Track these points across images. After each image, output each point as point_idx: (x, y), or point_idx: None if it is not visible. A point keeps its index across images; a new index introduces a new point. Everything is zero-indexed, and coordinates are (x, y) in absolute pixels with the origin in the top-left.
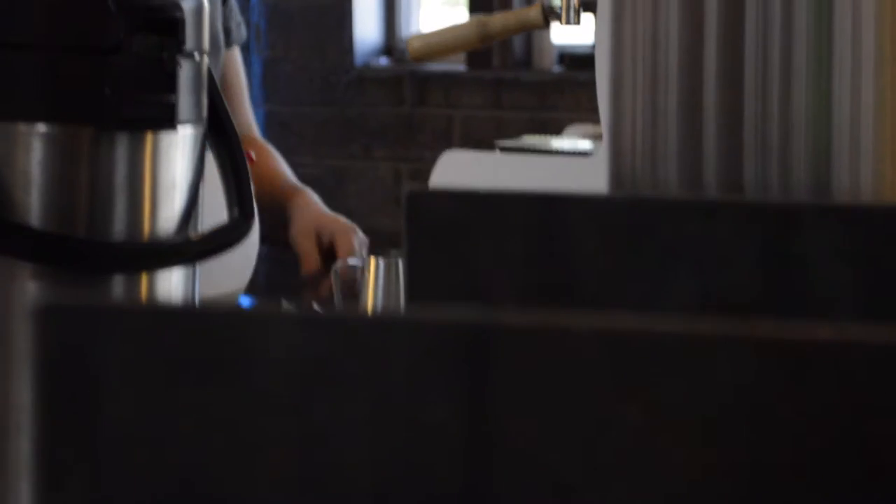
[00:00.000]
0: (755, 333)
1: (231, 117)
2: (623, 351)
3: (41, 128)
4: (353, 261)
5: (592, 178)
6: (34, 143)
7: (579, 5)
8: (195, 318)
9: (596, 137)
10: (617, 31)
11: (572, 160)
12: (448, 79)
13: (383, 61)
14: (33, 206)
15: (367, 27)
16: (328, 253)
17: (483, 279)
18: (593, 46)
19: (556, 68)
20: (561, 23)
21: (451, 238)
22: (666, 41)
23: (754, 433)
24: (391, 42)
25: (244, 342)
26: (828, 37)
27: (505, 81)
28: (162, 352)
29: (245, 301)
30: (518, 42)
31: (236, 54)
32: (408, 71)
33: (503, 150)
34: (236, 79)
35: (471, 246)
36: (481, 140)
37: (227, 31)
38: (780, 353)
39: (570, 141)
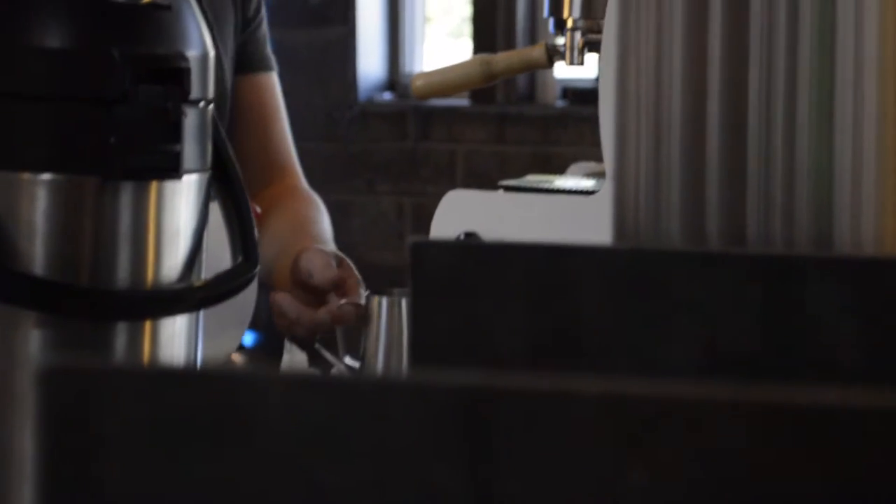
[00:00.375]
0: (756, 398)
1: (236, 163)
2: (624, 416)
3: (46, 177)
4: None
5: (597, 218)
6: (39, 193)
7: (583, 45)
8: (197, 380)
9: (600, 175)
10: (621, 82)
11: (576, 199)
12: (451, 113)
13: (387, 96)
14: (37, 255)
15: (370, 62)
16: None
17: (487, 329)
18: (597, 81)
19: (560, 103)
20: (565, 63)
21: (455, 289)
22: (669, 93)
23: (756, 497)
24: (394, 77)
25: (247, 405)
26: (830, 90)
27: (508, 116)
28: (164, 414)
29: (252, 339)
30: (521, 77)
31: (275, 80)
32: (411, 106)
33: (506, 189)
34: (277, 102)
35: (475, 296)
36: (484, 174)
37: (266, 56)
38: (781, 418)
39: (574, 180)
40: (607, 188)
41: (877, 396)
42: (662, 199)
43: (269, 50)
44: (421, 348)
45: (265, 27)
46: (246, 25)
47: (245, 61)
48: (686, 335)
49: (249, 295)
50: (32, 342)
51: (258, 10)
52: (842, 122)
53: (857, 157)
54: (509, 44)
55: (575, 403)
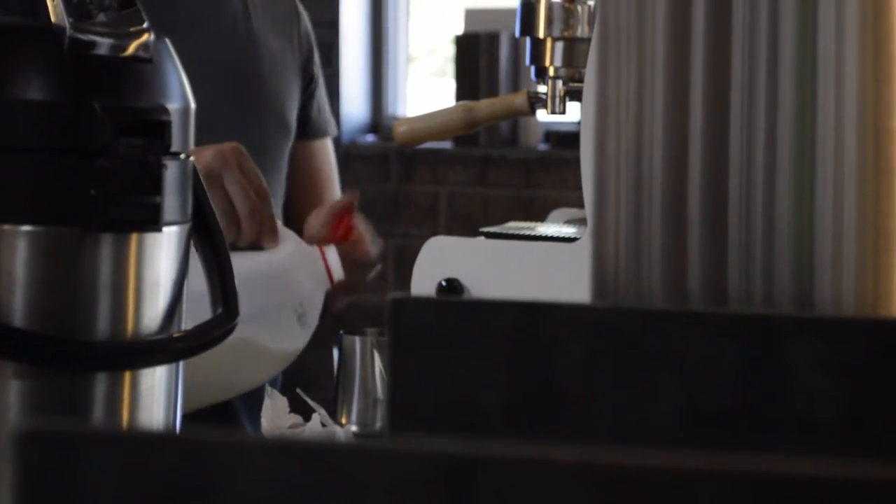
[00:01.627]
0: (735, 467)
1: (216, 215)
2: (606, 484)
3: (26, 228)
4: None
5: (578, 265)
6: (19, 244)
7: (565, 94)
8: (176, 445)
9: (581, 222)
10: (601, 140)
11: (557, 247)
12: (434, 156)
13: (370, 138)
14: (17, 306)
15: (353, 104)
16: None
17: (466, 385)
18: (579, 124)
19: (542, 146)
20: (547, 111)
21: (434, 345)
22: (650, 150)
23: None
24: (378, 119)
25: (225, 470)
26: (811, 150)
27: (491, 159)
28: (143, 478)
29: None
30: (504, 121)
31: (329, 145)
32: (394, 148)
33: (488, 236)
34: (332, 168)
35: (454, 353)
36: (467, 217)
37: (322, 122)
38: (762, 487)
39: (555, 226)
40: (588, 236)
41: (856, 466)
42: (643, 255)
43: (327, 114)
44: (399, 404)
45: (323, 90)
46: (305, 89)
47: (302, 126)
48: (665, 393)
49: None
50: (11, 393)
51: (316, 74)
52: (822, 182)
53: (838, 216)
54: (492, 85)
55: (554, 471)
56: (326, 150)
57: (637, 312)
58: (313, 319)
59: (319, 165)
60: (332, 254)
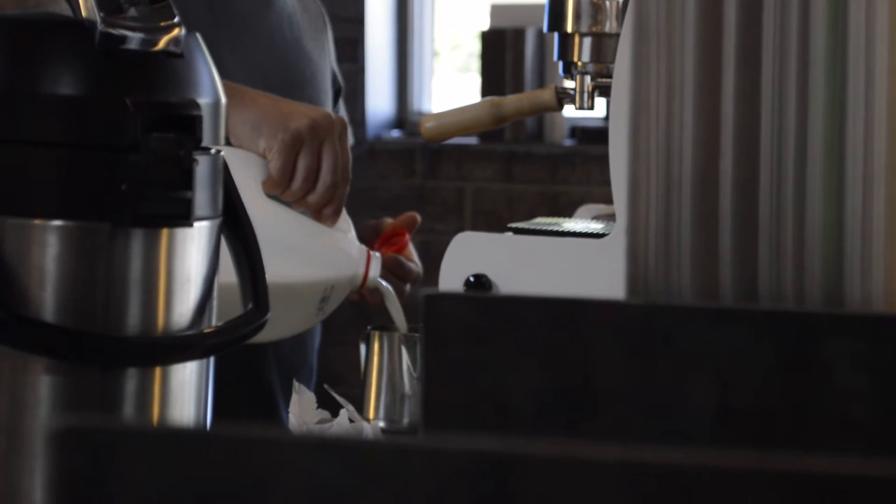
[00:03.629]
0: (777, 466)
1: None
2: (643, 482)
3: (57, 223)
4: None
5: (606, 261)
6: (50, 239)
7: (593, 89)
8: (212, 442)
9: (608, 218)
10: (634, 137)
11: (585, 243)
12: (460, 151)
13: (395, 134)
14: (48, 301)
15: (379, 100)
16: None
17: (499, 382)
18: (605, 120)
19: (568, 142)
20: (575, 106)
21: (468, 341)
22: (680, 148)
23: None
24: (403, 115)
25: (262, 466)
26: (841, 148)
27: (516, 154)
28: (179, 475)
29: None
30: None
31: (340, 106)
32: (419, 144)
33: (516, 231)
34: None
35: (487, 349)
36: (492, 212)
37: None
38: (804, 486)
39: (583, 222)
40: (616, 232)
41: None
42: (673, 251)
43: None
44: (432, 400)
45: (342, 103)
46: (336, 97)
47: None
48: (700, 391)
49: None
50: (42, 388)
51: (341, 84)
52: (852, 179)
53: (867, 214)
54: (517, 81)
55: (593, 469)
56: (339, 110)
57: (672, 309)
58: (328, 310)
59: None
60: (375, 262)
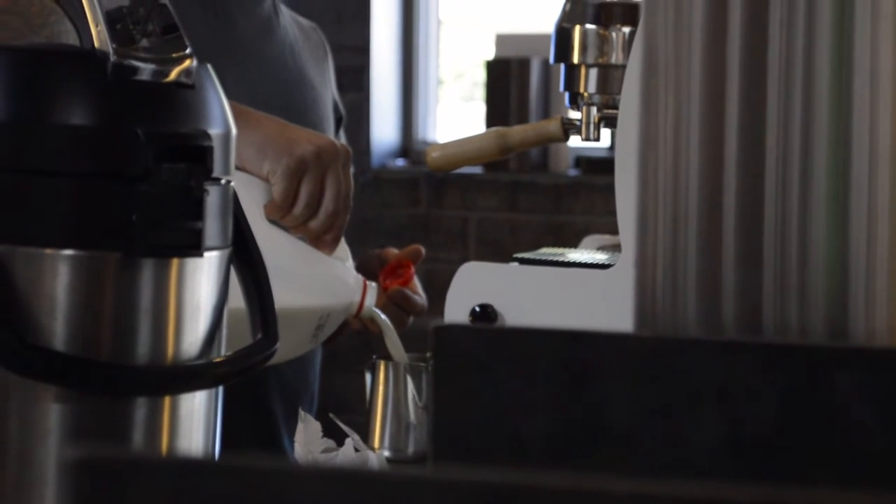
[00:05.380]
0: (789, 500)
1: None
2: None
3: (68, 253)
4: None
5: (612, 292)
6: (61, 268)
7: (599, 120)
8: (223, 472)
9: (613, 248)
10: (643, 170)
11: (591, 273)
12: (464, 181)
13: (400, 163)
14: (58, 330)
15: (384, 129)
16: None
17: (508, 415)
18: (610, 150)
19: (572, 172)
20: (581, 137)
21: (476, 373)
22: (687, 182)
23: None
24: (408, 144)
25: (272, 497)
26: (845, 182)
27: (521, 184)
28: None
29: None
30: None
31: (341, 135)
32: (424, 173)
33: (521, 261)
34: None
35: (496, 381)
36: (496, 242)
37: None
38: None
39: (588, 253)
40: (622, 263)
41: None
42: (679, 283)
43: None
44: (441, 432)
45: (342, 132)
46: (337, 125)
47: None
48: (707, 423)
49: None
50: (51, 417)
51: (342, 113)
52: (856, 213)
53: (871, 248)
54: (522, 111)
55: (601, 501)
56: (339, 139)
57: (680, 342)
58: (322, 337)
59: None
60: (371, 291)
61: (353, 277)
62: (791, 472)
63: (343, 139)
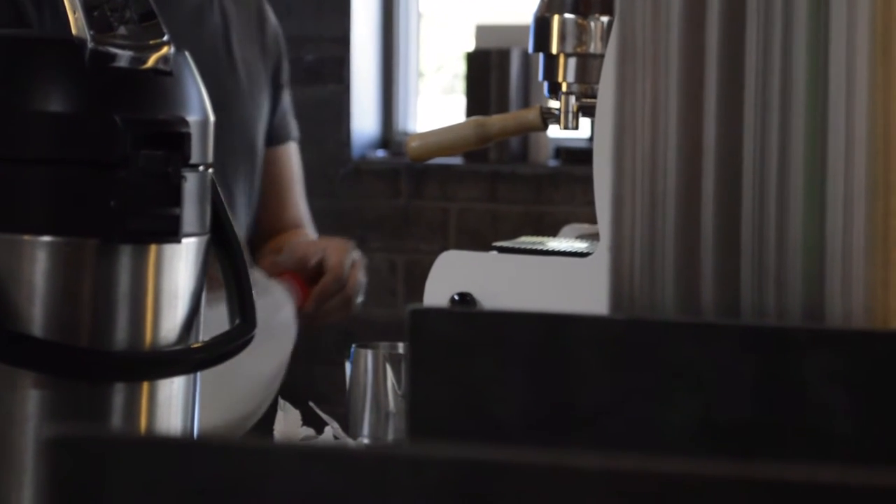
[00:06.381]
0: (761, 475)
1: (235, 225)
2: (624, 491)
3: (46, 239)
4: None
5: (590, 280)
6: (39, 255)
7: (578, 109)
8: (201, 450)
9: (592, 237)
10: (618, 155)
11: (570, 262)
12: (444, 172)
13: (380, 154)
14: (37, 316)
15: (364, 120)
16: (317, 272)
17: (484, 396)
18: (589, 141)
19: (552, 162)
20: (560, 127)
21: (453, 356)
22: (664, 166)
23: None
24: (388, 135)
25: (250, 475)
26: (822, 166)
27: (501, 175)
28: (171, 484)
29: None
30: (515, 137)
31: (293, 149)
32: (404, 164)
33: (500, 250)
34: (293, 173)
35: (473, 364)
36: (477, 232)
37: (287, 126)
38: (787, 495)
39: (567, 241)
40: (600, 251)
41: (875, 474)
42: (657, 268)
43: (290, 120)
44: (418, 414)
45: (288, 96)
46: (276, 96)
47: (271, 133)
48: (682, 405)
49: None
50: (30, 402)
51: (284, 82)
52: (833, 197)
53: (848, 232)
54: (502, 102)
55: (574, 477)
56: (288, 156)
57: (655, 324)
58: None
59: (280, 171)
60: (293, 293)
61: (290, 313)
62: (765, 453)
63: (287, 102)
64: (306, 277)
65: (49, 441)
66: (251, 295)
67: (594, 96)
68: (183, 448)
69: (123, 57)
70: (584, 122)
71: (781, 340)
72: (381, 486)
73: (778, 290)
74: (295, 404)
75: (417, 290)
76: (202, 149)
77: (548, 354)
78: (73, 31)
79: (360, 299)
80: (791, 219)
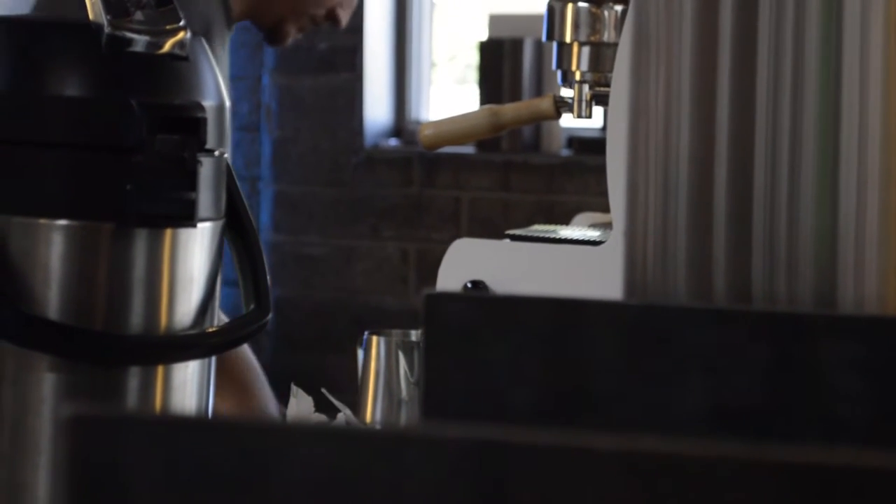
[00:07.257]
0: (770, 457)
1: (249, 212)
2: (637, 471)
3: (63, 223)
4: None
5: (602, 269)
6: (55, 238)
7: (591, 98)
8: (219, 430)
9: (605, 226)
10: (633, 143)
11: (582, 250)
12: (457, 161)
13: (393, 142)
14: (52, 300)
15: (377, 109)
16: None
17: (498, 380)
18: (602, 131)
19: (565, 152)
20: (573, 115)
21: (467, 341)
22: (677, 154)
23: None
24: (401, 124)
25: (265, 454)
26: (835, 154)
27: (513, 164)
28: (188, 463)
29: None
30: (527, 126)
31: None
32: (417, 152)
33: (513, 238)
34: None
35: (487, 349)
36: (489, 221)
37: None
38: (798, 477)
39: (580, 230)
40: (613, 239)
41: (887, 457)
42: (670, 255)
43: None
44: (433, 398)
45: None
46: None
47: None
48: (695, 390)
49: None
50: (46, 385)
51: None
52: (846, 185)
53: (861, 219)
54: (515, 91)
55: (588, 458)
56: None
57: (669, 310)
58: None
59: None
60: None
61: None
62: (776, 438)
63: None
64: None
65: (67, 419)
66: (266, 280)
67: (607, 85)
68: (199, 427)
69: (140, 42)
70: (597, 112)
71: (793, 326)
72: (396, 466)
73: (790, 276)
74: (307, 391)
75: (429, 278)
76: (218, 133)
77: (561, 339)
78: (90, 16)
79: None
80: (803, 206)
